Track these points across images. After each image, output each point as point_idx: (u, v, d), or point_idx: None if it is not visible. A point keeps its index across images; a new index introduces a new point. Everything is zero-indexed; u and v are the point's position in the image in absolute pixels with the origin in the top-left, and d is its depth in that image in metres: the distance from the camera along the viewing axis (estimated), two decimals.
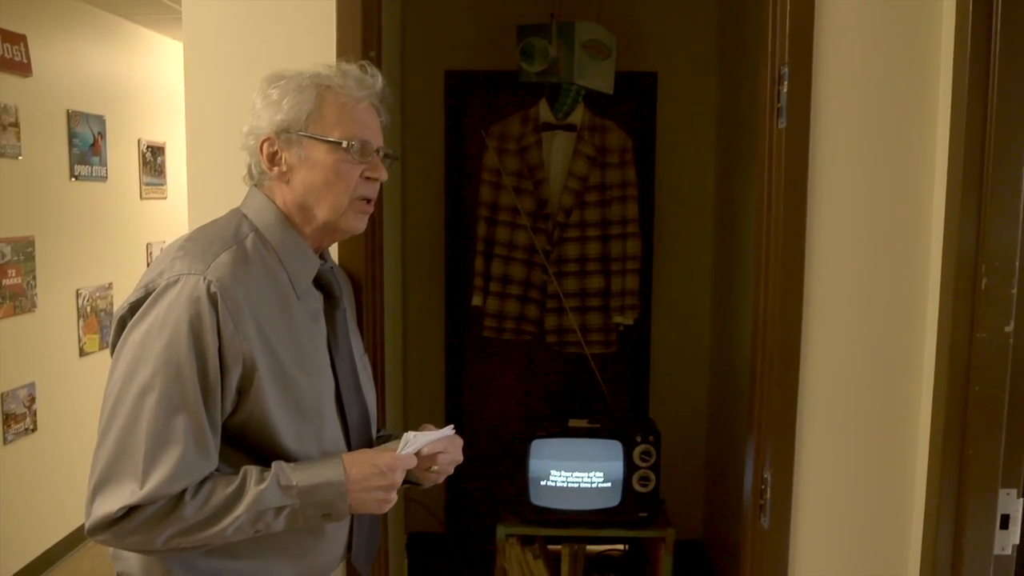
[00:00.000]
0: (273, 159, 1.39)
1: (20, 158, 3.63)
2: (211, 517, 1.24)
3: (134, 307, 1.27)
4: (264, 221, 1.39)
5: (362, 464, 1.34)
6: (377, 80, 1.44)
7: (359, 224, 1.45)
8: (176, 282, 1.26)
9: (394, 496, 1.37)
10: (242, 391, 1.29)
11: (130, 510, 1.20)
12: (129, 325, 1.27)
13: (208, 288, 1.25)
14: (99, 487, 1.22)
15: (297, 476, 1.29)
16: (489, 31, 3.59)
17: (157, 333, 1.23)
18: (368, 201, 1.44)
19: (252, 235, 1.37)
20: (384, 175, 1.44)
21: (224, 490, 1.25)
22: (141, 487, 1.20)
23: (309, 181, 1.38)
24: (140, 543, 1.24)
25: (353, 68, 1.43)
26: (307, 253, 1.42)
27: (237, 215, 1.42)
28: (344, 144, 1.37)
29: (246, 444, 1.32)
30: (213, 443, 1.27)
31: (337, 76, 1.39)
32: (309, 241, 1.43)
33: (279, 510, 1.27)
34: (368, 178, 1.42)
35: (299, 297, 1.40)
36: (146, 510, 1.21)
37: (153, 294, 1.26)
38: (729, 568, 3.33)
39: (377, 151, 1.42)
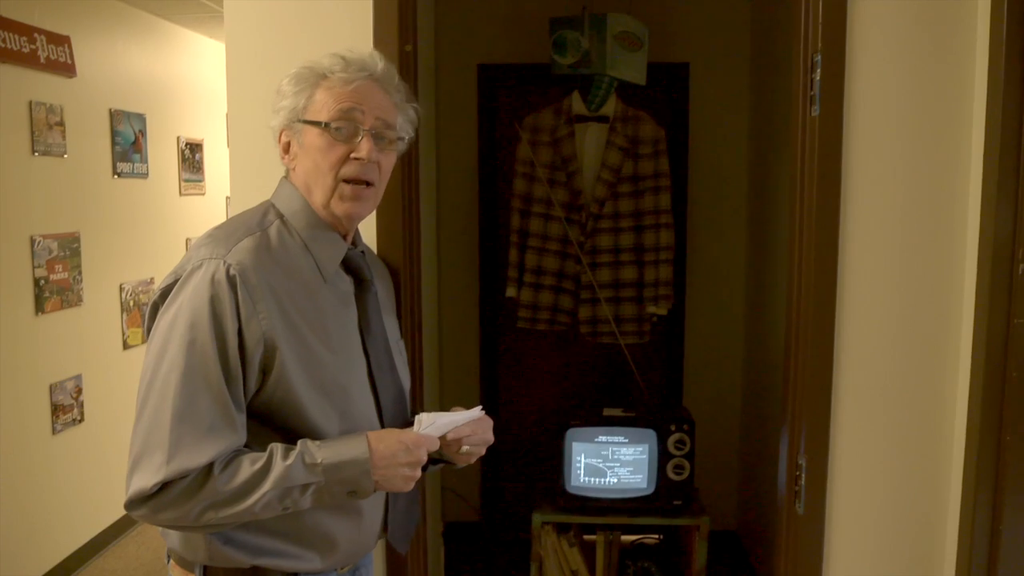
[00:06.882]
0: (287, 150, 1.45)
1: (65, 156, 3.73)
2: (239, 492, 1.27)
3: (165, 292, 1.33)
4: (290, 209, 1.44)
5: (388, 441, 1.36)
6: (377, 61, 1.45)
7: (349, 209, 1.42)
8: (200, 267, 1.31)
9: (419, 473, 1.39)
10: (265, 370, 1.33)
11: (164, 485, 1.25)
12: (160, 310, 1.33)
13: (227, 271, 1.30)
14: (135, 464, 1.28)
15: (322, 453, 1.31)
16: (521, 24, 3.61)
17: (182, 315, 1.29)
18: (362, 184, 1.41)
19: (277, 222, 1.42)
20: (363, 152, 1.38)
21: (251, 466, 1.28)
22: (169, 461, 1.25)
23: (305, 165, 1.42)
24: (174, 519, 1.28)
25: (355, 54, 1.44)
26: (333, 238, 1.45)
27: (265, 205, 1.47)
28: (327, 125, 1.38)
29: (274, 422, 1.36)
30: (239, 419, 1.31)
31: (335, 62, 1.42)
32: (332, 225, 1.45)
33: (305, 487, 1.30)
34: (356, 159, 1.39)
35: (326, 281, 1.43)
36: (178, 484, 1.25)
37: (181, 279, 1.32)
38: (764, 558, 3.32)
39: (370, 130, 1.39)
